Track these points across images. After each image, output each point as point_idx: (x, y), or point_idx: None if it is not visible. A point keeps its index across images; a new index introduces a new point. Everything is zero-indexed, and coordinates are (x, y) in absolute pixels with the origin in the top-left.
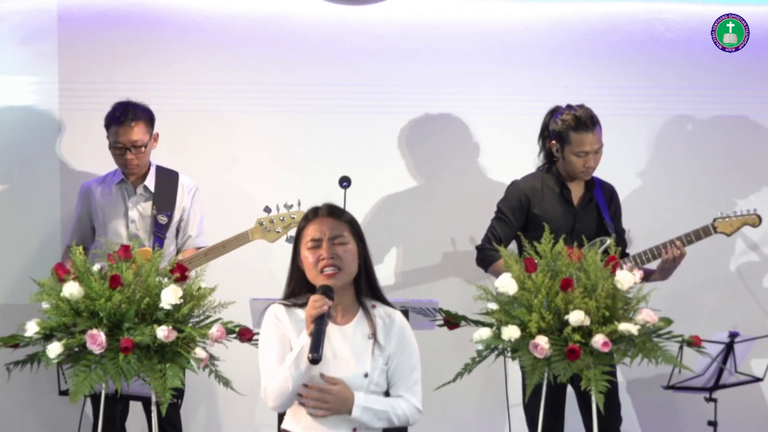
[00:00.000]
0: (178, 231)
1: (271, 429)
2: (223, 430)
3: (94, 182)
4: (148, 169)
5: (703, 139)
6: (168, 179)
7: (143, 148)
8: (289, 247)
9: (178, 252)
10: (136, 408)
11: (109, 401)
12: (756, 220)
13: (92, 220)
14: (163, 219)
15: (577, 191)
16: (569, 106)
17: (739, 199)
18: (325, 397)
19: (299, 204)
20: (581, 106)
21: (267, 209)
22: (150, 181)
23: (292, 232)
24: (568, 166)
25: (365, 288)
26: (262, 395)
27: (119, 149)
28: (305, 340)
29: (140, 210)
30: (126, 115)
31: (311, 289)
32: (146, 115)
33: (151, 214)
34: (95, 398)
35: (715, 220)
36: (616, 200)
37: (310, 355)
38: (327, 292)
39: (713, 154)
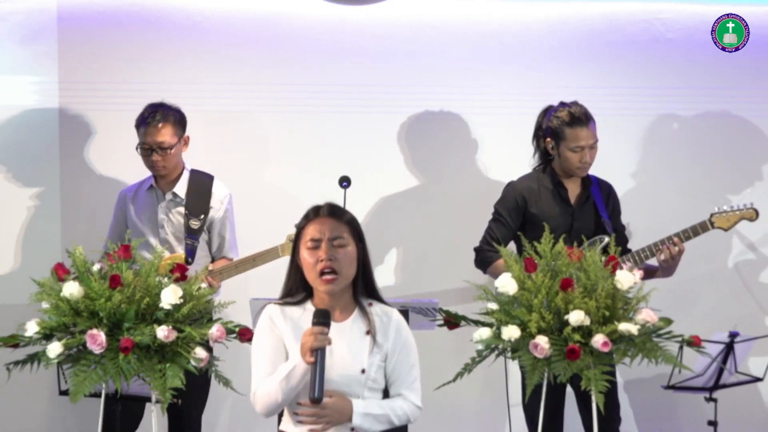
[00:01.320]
0: (209, 236)
1: (271, 429)
2: (219, 429)
3: (129, 190)
4: (180, 174)
5: (703, 138)
6: (201, 183)
7: (170, 150)
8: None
9: (213, 260)
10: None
11: (109, 401)
12: (753, 214)
13: (128, 226)
14: (195, 224)
15: (573, 190)
16: (562, 103)
17: (736, 196)
18: (321, 413)
19: None
20: (575, 103)
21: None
22: (180, 187)
23: None
24: (564, 162)
25: (362, 288)
26: (251, 399)
27: (146, 150)
28: (299, 358)
29: (170, 216)
30: (154, 117)
31: (308, 288)
32: (175, 117)
33: (184, 220)
34: (108, 399)
35: (712, 215)
36: (614, 197)
37: (312, 396)
38: (325, 318)
39: (713, 153)
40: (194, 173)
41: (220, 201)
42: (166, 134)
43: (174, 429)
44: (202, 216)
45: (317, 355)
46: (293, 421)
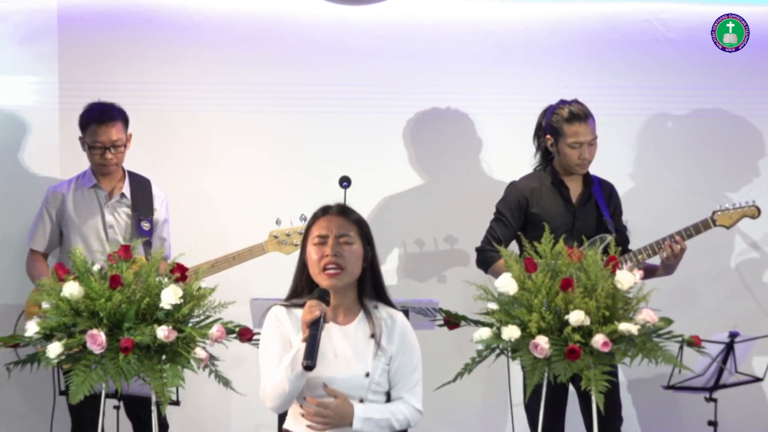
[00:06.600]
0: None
1: (271, 429)
2: (219, 429)
3: (64, 186)
4: (123, 175)
5: (703, 138)
6: (142, 186)
7: (122, 148)
8: None
9: None
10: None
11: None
12: (755, 212)
13: (62, 225)
14: (146, 225)
15: (575, 189)
16: (563, 101)
17: (735, 194)
18: (323, 412)
19: None
20: (575, 101)
21: (278, 222)
22: (126, 189)
23: None
24: (563, 159)
25: (369, 290)
26: (261, 396)
27: (98, 149)
28: (300, 344)
29: (117, 216)
30: (106, 115)
31: (314, 287)
32: (123, 116)
33: (133, 221)
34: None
35: (714, 213)
36: (616, 197)
37: (303, 362)
38: (323, 296)
39: (713, 152)
40: (132, 174)
41: (161, 202)
42: (118, 132)
43: (140, 429)
44: (150, 217)
45: (312, 327)
46: (296, 419)
